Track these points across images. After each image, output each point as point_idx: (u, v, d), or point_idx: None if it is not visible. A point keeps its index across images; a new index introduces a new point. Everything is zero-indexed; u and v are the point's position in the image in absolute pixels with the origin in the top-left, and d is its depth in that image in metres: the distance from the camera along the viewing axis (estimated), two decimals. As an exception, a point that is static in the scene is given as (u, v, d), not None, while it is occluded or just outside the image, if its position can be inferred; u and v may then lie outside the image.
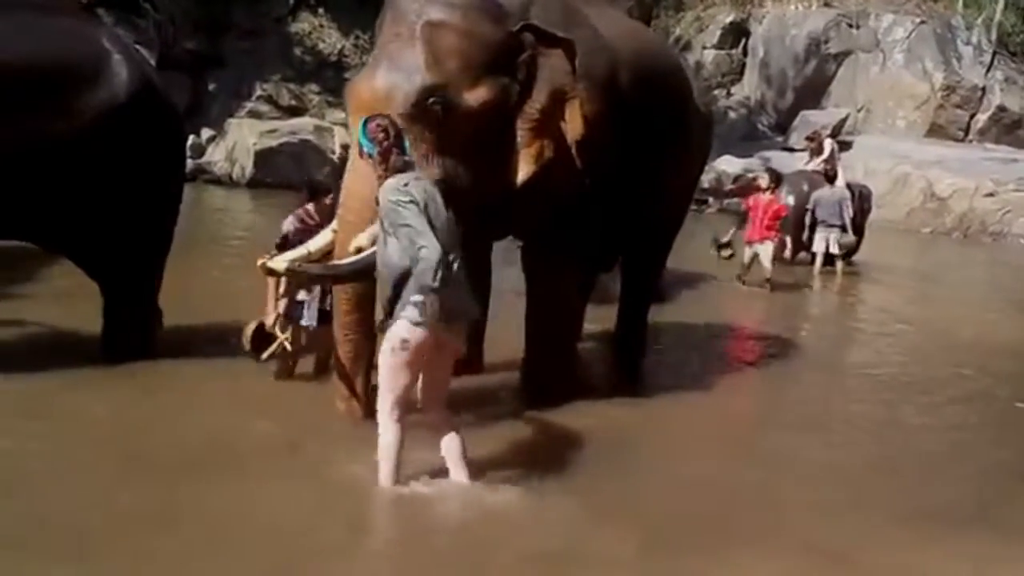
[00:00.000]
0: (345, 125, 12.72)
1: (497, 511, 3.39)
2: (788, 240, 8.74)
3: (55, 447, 3.59)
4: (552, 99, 4.04)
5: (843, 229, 9.21)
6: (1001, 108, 15.70)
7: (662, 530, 3.37)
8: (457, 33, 3.90)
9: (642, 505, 3.57)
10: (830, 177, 9.61)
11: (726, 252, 8.38)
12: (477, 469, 3.57)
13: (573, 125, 4.05)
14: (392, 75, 3.90)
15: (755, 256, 8.06)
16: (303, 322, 4.44)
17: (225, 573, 2.86)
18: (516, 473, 3.68)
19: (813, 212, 9.19)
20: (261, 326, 4.33)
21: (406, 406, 3.35)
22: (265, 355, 4.32)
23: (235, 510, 3.22)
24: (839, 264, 9.17)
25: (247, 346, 4.30)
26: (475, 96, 3.93)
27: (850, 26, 16.73)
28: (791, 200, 9.45)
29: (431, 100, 3.84)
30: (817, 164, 10.20)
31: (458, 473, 3.43)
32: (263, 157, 12.35)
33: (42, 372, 4.28)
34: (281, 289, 4.36)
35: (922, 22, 16.38)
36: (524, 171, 4.06)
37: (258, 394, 4.31)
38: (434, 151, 3.89)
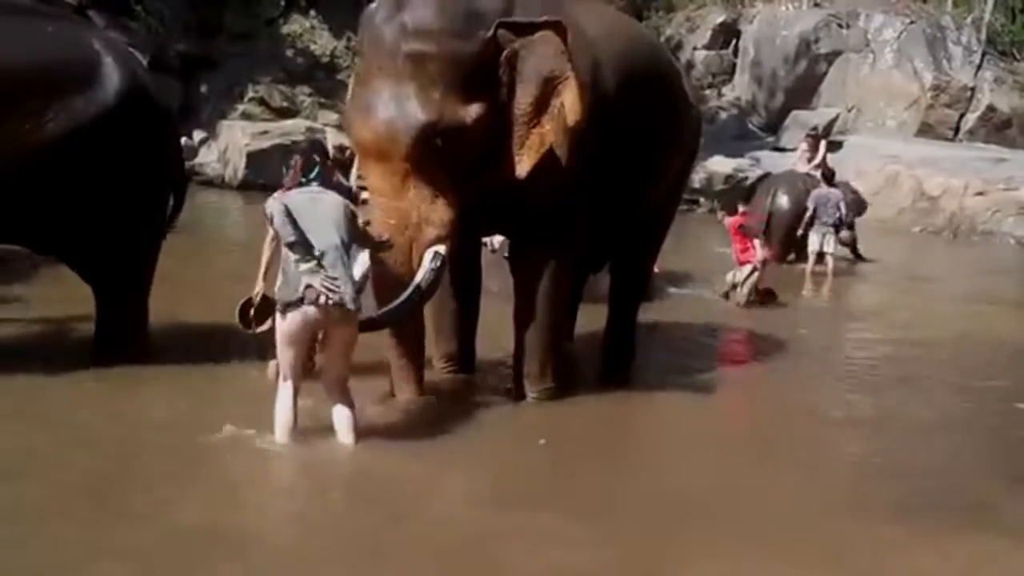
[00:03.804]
0: (337, 126, 12.73)
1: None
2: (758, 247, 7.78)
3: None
4: (543, 87, 4.08)
5: (836, 228, 9.25)
6: (991, 108, 15.74)
7: (650, 528, 3.39)
8: (437, 61, 3.97)
9: (631, 503, 3.59)
10: (827, 177, 9.65)
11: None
12: (459, 461, 3.60)
13: (571, 107, 4.07)
14: (388, 115, 4.00)
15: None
16: None
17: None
18: (501, 468, 3.71)
19: (814, 212, 9.17)
20: (251, 300, 4.38)
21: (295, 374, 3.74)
22: (253, 328, 4.36)
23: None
24: (830, 263, 9.21)
25: (237, 319, 4.34)
26: (468, 115, 4.01)
27: (840, 26, 16.76)
28: (785, 201, 9.48)
29: (431, 140, 3.96)
30: (812, 167, 10.25)
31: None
32: (255, 159, 12.35)
33: (26, 372, 4.29)
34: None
35: (912, 22, 16.43)
36: (526, 164, 4.12)
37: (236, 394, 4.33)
38: (443, 181, 4.02)
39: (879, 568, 3.23)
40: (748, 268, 7.58)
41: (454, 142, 3.99)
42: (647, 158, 4.87)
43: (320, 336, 3.86)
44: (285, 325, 3.70)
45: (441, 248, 4.04)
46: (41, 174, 4.34)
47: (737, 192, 8.55)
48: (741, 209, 7.91)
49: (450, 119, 3.98)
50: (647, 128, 4.74)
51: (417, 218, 4.04)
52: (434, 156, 3.99)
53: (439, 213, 4.05)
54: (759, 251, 7.56)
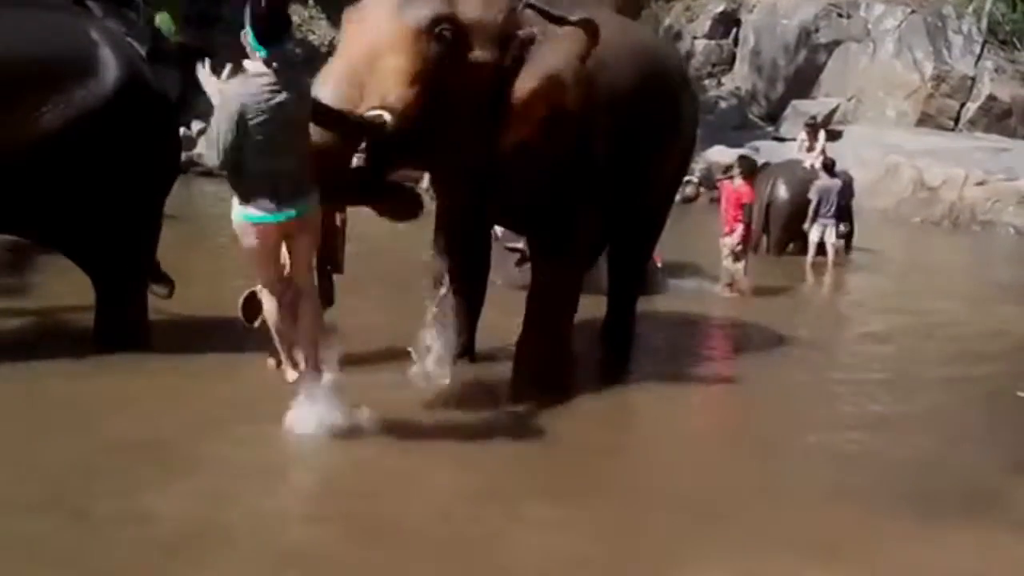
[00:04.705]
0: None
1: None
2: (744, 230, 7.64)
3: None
4: (543, 80, 4.01)
5: (837, 219, 9.23)
6: (991, 97, 15.72)
7: (649, 523, 3.38)
8: None
9: (629, 498, 3.59)
10: (827, 167, 9.59)
11: None
12: (456, 454, 3.61)
13: (556, 103, 4.02)
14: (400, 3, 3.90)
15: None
16: None
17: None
18: (498, 461, 3.70)
19: (818, 204, 9.13)
20: (254, 293, 4.38)
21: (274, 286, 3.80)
22: (257, 322, 4.36)
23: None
24: (830, 254, 9.19)
25: (240, 313, 4.36)
26: (476, 55, 3.95)
27: (840, 16, 16.73)
28: (783, 191, 9.44)
29: (442, 26, 3.86)
30: (816, 158, 10.23)
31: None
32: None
33: (27, 362, 4.30)
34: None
35: (912, 12, 16.40)
36: (505, 143, 4.04)
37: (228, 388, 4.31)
38: (426, 91, 3.85)
39: (882, 560, 3.22)
40: (730, 243, 7.48)
41: (454, 63, 3.87)
42: (646, 152, 4.86)
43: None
44: (250, 240, 3.73)
45: (387, 116, 3.81)
46: (40, 164, 4.34)
47: (752, 162, 8.26)
48: (748, 189, 7.72)
49: (464, 37, 3.89)
50: (646, 125, 4.73)
51: (378, 94, 3.82)
52: (435, 54, 3.84)
53: (403, 97, 3.82)
54: (739, 233, 7.47)
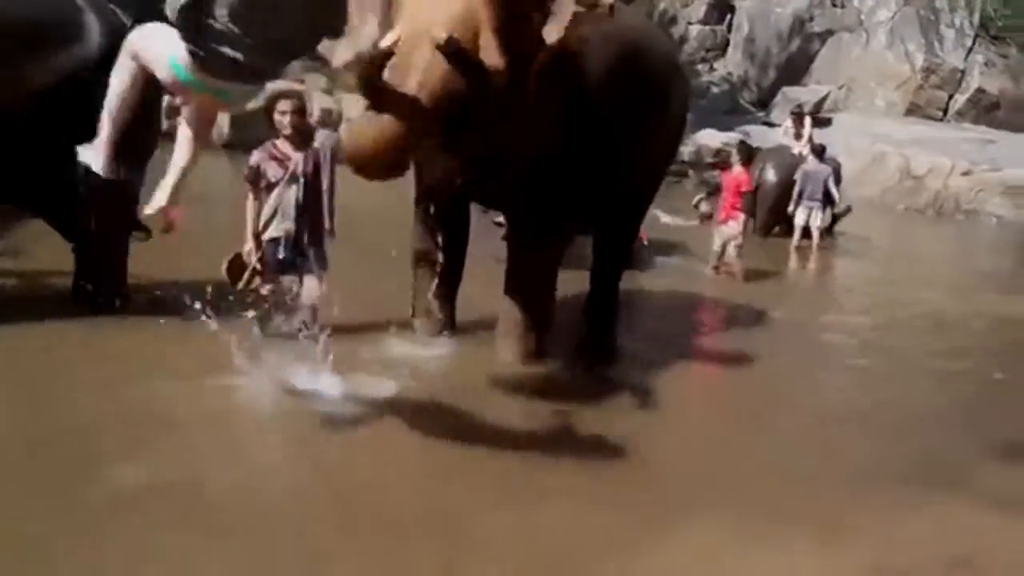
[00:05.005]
0: (329, 92, 12.60)
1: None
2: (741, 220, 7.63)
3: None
4: (560, 32, 3.83)
5: (823, 205, 9.27)
6: (980, 90, 15.79)
7: (640, 496, 3.41)
8: None
9: (619, 472, 3.60)
10: (817, 152, 9.60)
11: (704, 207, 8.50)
12: (436, 428, 3.65)
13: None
14: None
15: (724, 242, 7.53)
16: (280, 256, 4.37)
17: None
18: (481, 437, 3.71)
19: (802, 187, 9.19)
20: (239, 256, 4.37)
21: None
22: (241, 284, 4.34)
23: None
24: (815, 238, 9.24)
25: (225, 275, 4.34)
26: (532, 20, 3.80)
27: (834, 5, 16.74)
28: (772, 175, 9.46)
29: None
30: (804, 145, 10.26)
31: None
32: (240, 119, 12.21)
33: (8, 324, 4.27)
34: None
35: (906, 3, 16.41)
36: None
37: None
38: (497, 43, 3.67)
39: (875, 535, 3.27)
40: (727, 232, 7.46)
41: (513, 26, 3.68)
42: (633, 139, 4.84)
43: None
44: (166, 80, 3.92)
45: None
46: (23, 129, 4.31)
47: (750, 149, 8.29)
48: (747, 177, 7.71)
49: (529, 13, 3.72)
50: (634, 103, 4.72)
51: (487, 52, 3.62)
52: (502, 9, 3.65)
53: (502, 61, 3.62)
54: (740, 222, 7.49)
